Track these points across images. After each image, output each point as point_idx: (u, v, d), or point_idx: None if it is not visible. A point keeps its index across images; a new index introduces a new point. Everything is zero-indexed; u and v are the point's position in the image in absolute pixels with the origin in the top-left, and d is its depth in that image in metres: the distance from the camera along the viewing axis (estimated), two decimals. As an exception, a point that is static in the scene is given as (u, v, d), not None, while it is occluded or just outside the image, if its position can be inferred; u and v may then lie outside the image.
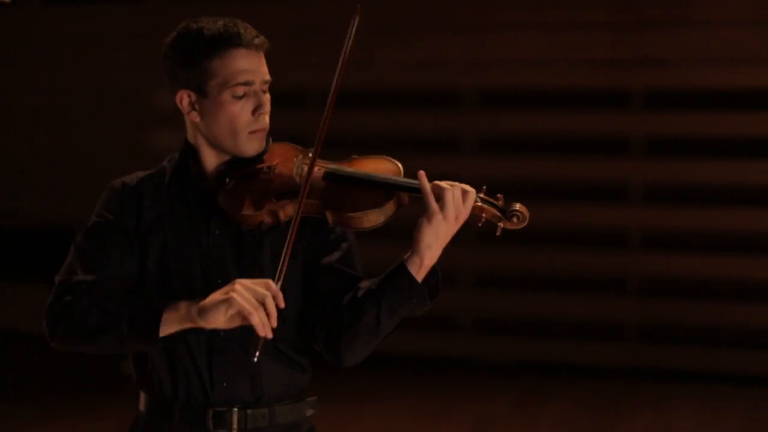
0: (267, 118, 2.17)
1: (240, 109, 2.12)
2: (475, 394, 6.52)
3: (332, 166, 2.13)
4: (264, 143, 2.19)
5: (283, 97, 7.60)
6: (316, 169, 2.10)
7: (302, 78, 7.09)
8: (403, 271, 2.06)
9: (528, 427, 5.90)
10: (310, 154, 2.11)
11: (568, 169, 7.16)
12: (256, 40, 2.14)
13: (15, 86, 8.12)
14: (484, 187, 2.12)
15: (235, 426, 2.14)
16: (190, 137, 2.22)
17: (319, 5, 7.38)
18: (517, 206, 2.09)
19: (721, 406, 6.33)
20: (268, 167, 2.15)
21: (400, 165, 2.16)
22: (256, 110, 2.13)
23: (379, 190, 2.08)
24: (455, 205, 2.04)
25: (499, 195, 2.11)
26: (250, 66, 2.13)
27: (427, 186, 2.05)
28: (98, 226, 2.20)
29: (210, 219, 2.17)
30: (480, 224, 2.11)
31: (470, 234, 7.52)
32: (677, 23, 6.98)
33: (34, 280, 7.67)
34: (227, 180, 2.14)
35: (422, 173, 2.07)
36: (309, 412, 2.24)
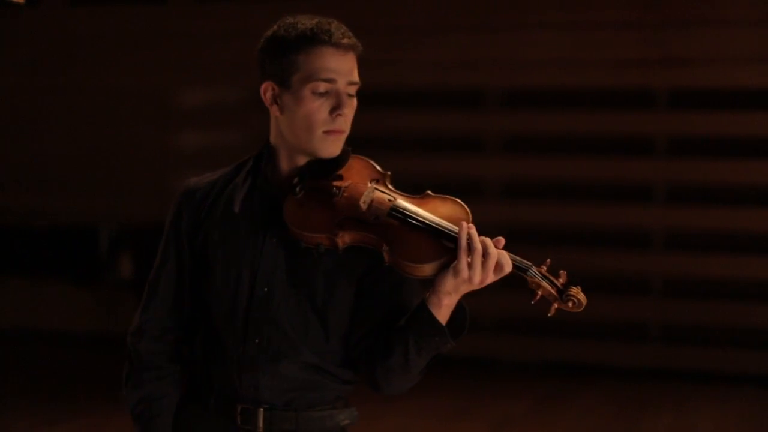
0: (346, 121, 2.14)
1: (318, 107, 2.11)
2: (496, 394, 6.52)
3: (401, 202, 2.08)
4: (340, 146, 2.15)
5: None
6: (386, 198, 2.07)
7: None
8: (424, 311, 2.06)
9: (548, 428, 5.89)
10: (388, 182, 2.09)
11: (592, 168, 7.15)
12: (345, 40, 2.13)
13: (41, 86, 8.18)
14: (548, 260, 2.07)
15: (260, 425, 2.15)
16: (272, 137, 2.21)
17: (340, 5, 7.39)
18: (575, 290, 2.03)
19: (744, 408, 6.31)
20: (338, 188, 2.11)
21: (468, 210, 2.09)
22: (335, 110, 2.11)
23: (438, 240, 2.03)
24: (485, 272, 2.02)
25: (561, 271, 2.07)
26: (335, 65, 2.12)
27: (464, 242, 2.00)
28: (165, 237, 2.28)
29: (269, 226, 2.16)
30: (533, 302, 2.06)
31: (494, 234, 7.49)
32: (702, 23, 6.95)
33: (62, 279, 7.74)
34: (297, 189, 2.11)
35: (464, 225, 2.02)
36: (344, 422, 2.22)
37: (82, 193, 8.00)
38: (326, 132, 2.12)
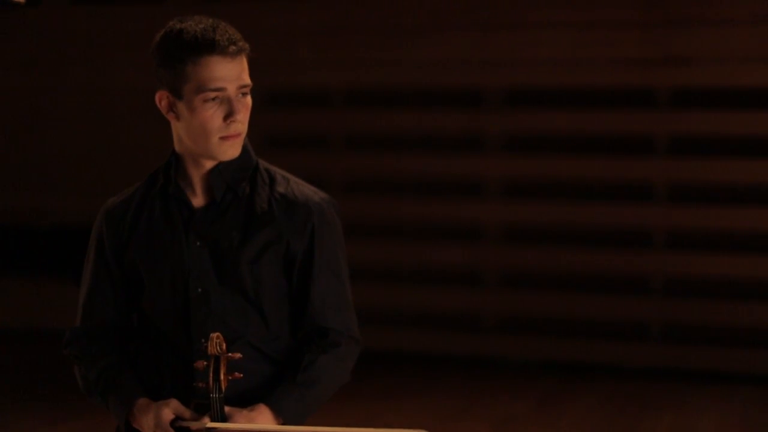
0: (240, 126, 2.20)
1: (212, 115, 2.16)
2: (497, 394, 6.52)
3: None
4: (238, 148, 2.23)
5: (306, 96, 7.66)
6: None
7: (324, 77, 7.08)
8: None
9: (550, 427, 5.89)
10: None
11: (592, 168, 7.14)
12: (232, 48, 2.17)
13: (44, 85, 8.18)
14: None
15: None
16: (176, 145, 2.27)
17: (341, 4, 7.39)
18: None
19: (745, 407, 6.30)
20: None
21: None
22: (228, 117, 2.17)
23: None
24: None
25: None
26: (223, 73, 2.15)
27: None
28: (88, 258, 2.33)
29: (190, 230, 2.23)
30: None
31: (495, 234, 7.48)
32: (703, 22, 6.95)
33: (64, 279, 7.74)
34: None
35: None
36: None
37: (82, 193, 7.99)
38: (222, 138, 2.18)
